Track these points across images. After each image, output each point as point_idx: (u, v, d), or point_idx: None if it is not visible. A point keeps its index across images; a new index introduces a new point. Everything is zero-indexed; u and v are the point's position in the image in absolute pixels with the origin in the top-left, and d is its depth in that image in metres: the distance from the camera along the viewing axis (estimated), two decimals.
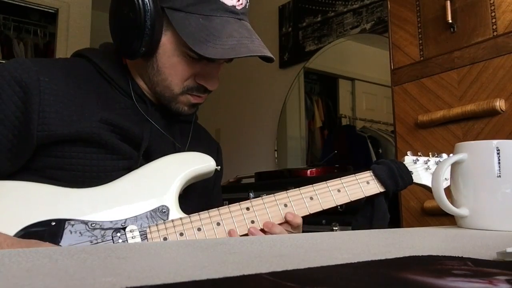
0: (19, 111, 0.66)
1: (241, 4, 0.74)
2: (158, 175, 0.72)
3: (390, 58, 1.50)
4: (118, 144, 0.72)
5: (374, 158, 2.21)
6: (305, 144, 2.69)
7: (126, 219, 0.67)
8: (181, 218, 0.68)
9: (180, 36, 0.70)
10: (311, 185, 0.75)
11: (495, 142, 0.55)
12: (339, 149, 2.36)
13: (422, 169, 0.82)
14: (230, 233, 0.68)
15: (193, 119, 0.89)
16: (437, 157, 0.84)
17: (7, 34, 3.81)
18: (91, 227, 0.64)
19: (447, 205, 0.57)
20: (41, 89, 0.67)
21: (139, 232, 0.66)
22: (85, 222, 0.64)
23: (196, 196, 0.81)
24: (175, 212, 0.70)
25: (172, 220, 0.68)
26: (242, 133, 3.10)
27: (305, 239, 0.42)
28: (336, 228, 1.56)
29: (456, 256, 0.30)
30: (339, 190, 0.76)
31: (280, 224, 0.71)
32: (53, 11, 3.44)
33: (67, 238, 0.63)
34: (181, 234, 0.67)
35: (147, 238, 0.66)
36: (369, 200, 0.80)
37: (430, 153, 0.85)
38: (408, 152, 0.84)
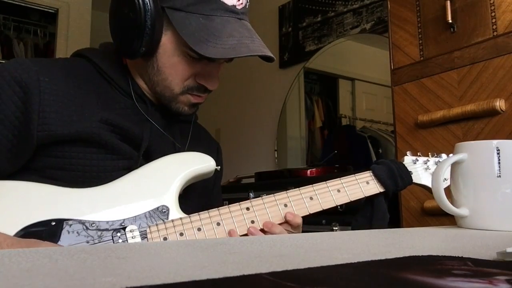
0: (19, 111, 0.66)
1: (241, 3, 0.74)
2: (158, 175, 0.72)
3: (390, 58, 1.50)
4: (118, 144, 0.72)
5: (374, 158, 2.21)
6: (305, 144, 2.69)
7: (124, 219, 0.67)
8: (181, 218, 0.68)
9: (181, 35, 0.70)
10: (311, 185, 0.75)
11: (495, 142, 0.55)
12: (339, 149, 2.36)
13: (421, 169, 0.82)
14: (230, 233, 0.68)
15: (193, 119, 0.89)
16: (436, 157, 0.84)
17: (7, 34, 3.82)
18: (88, 227, 0.64)
19: (447, 205, 0.57)
20: (41, 89, 0.67)
21: (139, 232, 0.66)
22: (82, 222, 0.64)
23: (196, 196, 0.81)
24: (175, 212, 0.70)
25: (172, 220, 0.68)
26: (242, 133, 3.10)
27: (305, 239, 0.42)
28: (336, 228, 1.56)
29: (456, 256, 0.30)
30: (339, 190, 0.76)
31: (280, 224, 0.71)
32: (53, 11, 3.44)
33: (65, 238, 0.63)
34: (181, 234, 0.67)
35: (147, 238, 0.66)
36: (369, 200, 0.80)
37: (429, 153, 0.85)
38: (408, 152, 0.84)
